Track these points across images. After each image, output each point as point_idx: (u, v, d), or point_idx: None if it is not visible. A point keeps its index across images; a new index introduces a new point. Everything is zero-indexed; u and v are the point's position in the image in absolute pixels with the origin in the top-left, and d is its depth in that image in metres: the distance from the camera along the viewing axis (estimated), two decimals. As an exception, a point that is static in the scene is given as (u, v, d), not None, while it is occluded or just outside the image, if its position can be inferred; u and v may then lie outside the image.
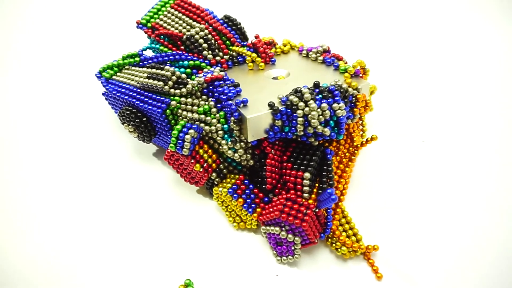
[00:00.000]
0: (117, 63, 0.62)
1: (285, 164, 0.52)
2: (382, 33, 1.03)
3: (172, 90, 0.54)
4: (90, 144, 0.68)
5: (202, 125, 0.52)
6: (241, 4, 1.10)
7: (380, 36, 1.02)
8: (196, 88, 0.53)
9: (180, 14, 0.63)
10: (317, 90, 0.50)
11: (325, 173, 0.50)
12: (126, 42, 0.98)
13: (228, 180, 0.54)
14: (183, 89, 0.53)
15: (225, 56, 0.60)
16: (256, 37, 0.62)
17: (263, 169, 0.52)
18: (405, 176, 0.60)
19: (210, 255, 0.50)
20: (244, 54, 0.60)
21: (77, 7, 1.16)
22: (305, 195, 0.49)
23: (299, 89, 0.49)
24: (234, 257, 0.50)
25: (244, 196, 0.52)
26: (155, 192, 0.58)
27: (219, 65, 0.60)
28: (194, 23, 0.62)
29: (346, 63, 0.62)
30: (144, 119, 0.56)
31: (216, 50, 0.60)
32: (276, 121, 0.48)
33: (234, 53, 0.61)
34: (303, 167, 0.50)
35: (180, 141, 0.50)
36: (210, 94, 0.54)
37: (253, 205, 0.52)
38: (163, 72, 0.54)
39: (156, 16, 0.65)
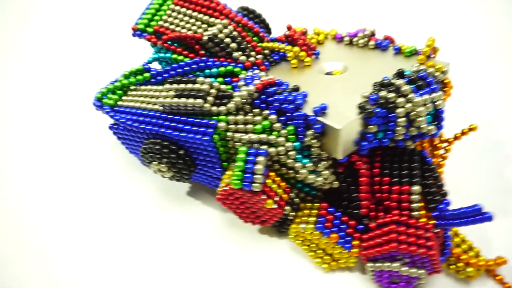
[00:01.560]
0: (120, 84, 0.47)
1: (377, 178, 0.41)
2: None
3: (214, 108, 0.40)
4: (95, 190, 0.52)
5: (264, 147, 0.40)
6: None
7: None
8: (245, 100, 0.41)
9: (189, 11, 0.50)
10: (406, 80, 0.39)
11: (430, 181, 0.40)
12: (116, 55, 0.80)
13: (306, 211, 0.42)
14: (230, 105, 0.40)
15: (258, 56, 0.48)
16: (289, 27, 0.51)
17: (351, 190, 0.41)
18: (486, 164, 0.52)
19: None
20: (282, 50, 0.48)
21: (49, 17, 0.94)
22: (415, 213, 0.39)
23: (386, 81, 0.39)
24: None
25: (335, 229, 0.41)
26: (199, 240, 0.45)
27: (255, 67, 0.47)
28: (212, 19, 0.49)
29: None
30: (181, 152, 0.41)
31: (247, 50, 0.48)
32: (370, 127, 0.37)
33: (266, 51, 0.49)
34: (406, 179, 0.39)
35: (248, 175, 0.37)
36: (264, 105, 0.41)
37: (347, 238, 0.40)
38: (197, 86, 0.40)
39: (156, 17, 0.51)
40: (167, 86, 0.42)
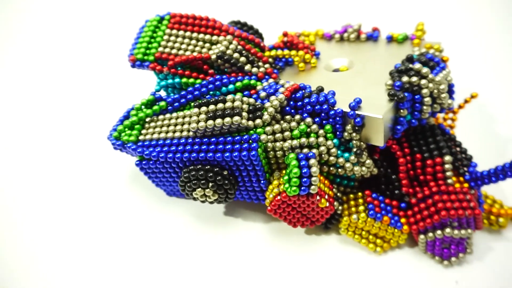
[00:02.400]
0: (137, 118, 0.45)
1: (408, 157, 0.44)
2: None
3: (250, 123, 0.41)
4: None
5: (305, 150, 0.41)
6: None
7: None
8: (277, 109, 0.42)
9: (187, 33, 0.49)
10: (412, 63, 0.43)
11: (454, 149, 0.45)
12: (109, 88, 0.75)
13: (352, 202, 0.44)
14: (265, 116, 0.41)
15: (266, 65, 0.49)
16: (285, 34, 0.52)
17: (389, 173, 0.44)
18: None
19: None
20: (287, 56, 0.50)
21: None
22: (450, 181, 0.43)
23: (404, 68, 0.42)
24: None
25: (384, 212, 0.43)
26: (251, 255, 0.45)
27: (267, 77, 0.48)
28: (214, 37, 0.49)
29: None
30: (225, 173, 0.41)
31: (255, 62, 0.48)
32: (401, 111, 0.40)
33: (270, 59, 0.50)
34: (436, 152, 0.43)
35: (305, 179, 0.38)
36: (293, 111, 0.43)
37: (396, 218, 0.43)
38: (229, 104, 0.40)
39: (154, 44, 0.49)
40: (195, 110, 0.41)
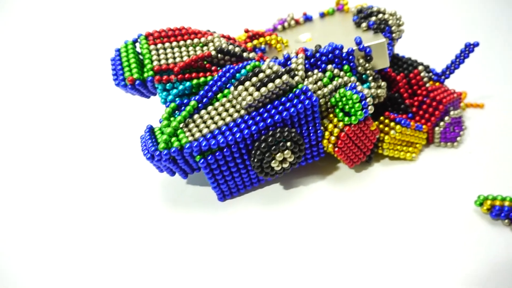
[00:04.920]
0: (177, 123, 0.42)
1: (398, 78, 0.55)
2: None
3: (293, 80, 0.44)
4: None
5: (337, 92, 0.46)
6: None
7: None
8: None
9: (175, 43, 0.49)
10: (366, 12, 0.55)
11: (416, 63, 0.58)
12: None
13: (381, 126, 0.51)
14: (301, 72, 0.45)
15: (252, 53, 0.53)
16: (247, 30, 0.58)
17: (391, 94, 0.53)
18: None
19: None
20: (263, 43, 0.55)
21: None
22: (428, 84, 0.55)
23: (367, 13, 0.53)
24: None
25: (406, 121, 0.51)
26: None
27: (261, 60, 0.52)
28: (202, 39, 0.50)
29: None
30: (293, 130, 0.42)
31: (246, 50, 0.52)
32: (385, 39, 0.51)
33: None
34: (410, 68, 0.55)
35: (364, 102, 0.43)
36: (310, 67, 0.48)
37: (416, 123, 0.52)
38: (269, 71, 0.43)
39: (145, 62, 0.47)
40: (240, 87, 0.42)
